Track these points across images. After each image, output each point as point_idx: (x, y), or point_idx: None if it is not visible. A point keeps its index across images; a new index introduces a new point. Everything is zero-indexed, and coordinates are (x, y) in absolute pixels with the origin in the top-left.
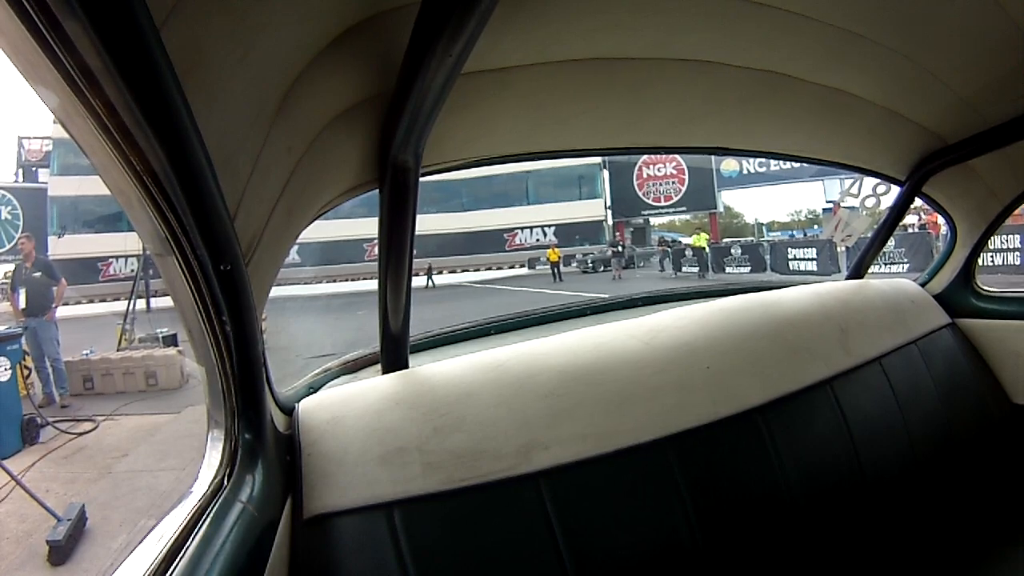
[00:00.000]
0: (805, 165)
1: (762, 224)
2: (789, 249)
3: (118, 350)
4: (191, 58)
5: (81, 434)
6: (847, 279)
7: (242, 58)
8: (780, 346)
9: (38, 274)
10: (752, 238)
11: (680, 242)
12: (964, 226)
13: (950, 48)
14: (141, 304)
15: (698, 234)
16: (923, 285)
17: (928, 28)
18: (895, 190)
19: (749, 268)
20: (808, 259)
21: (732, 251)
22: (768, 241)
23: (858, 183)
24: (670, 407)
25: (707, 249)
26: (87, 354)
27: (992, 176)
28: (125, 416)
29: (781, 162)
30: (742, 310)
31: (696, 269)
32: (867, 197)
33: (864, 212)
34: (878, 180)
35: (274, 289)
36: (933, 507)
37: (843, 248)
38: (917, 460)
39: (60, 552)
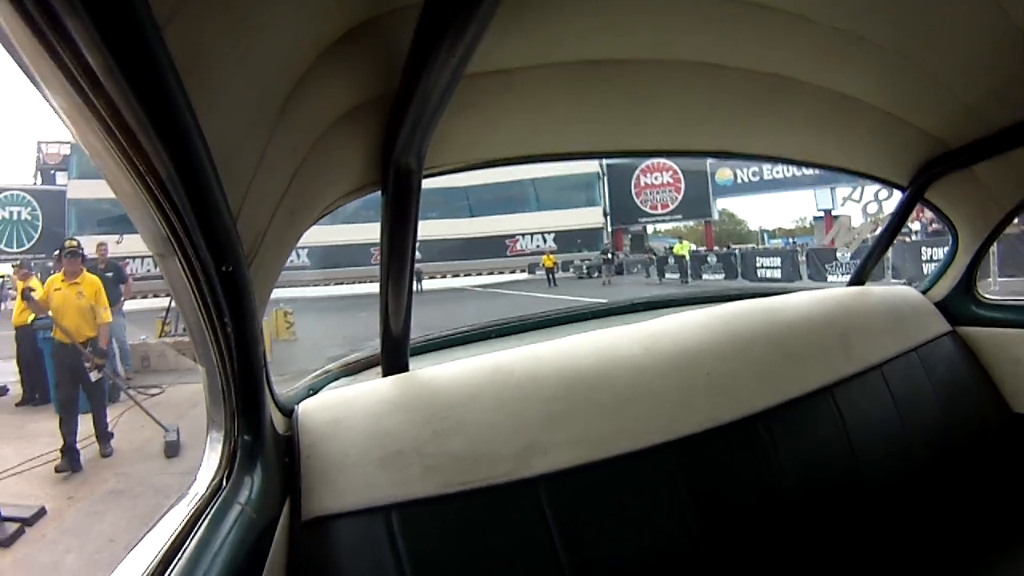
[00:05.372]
0: (798, 174)
1: (765, 231)
2: (757, 258)
3: (158, 338)
4: (194, 58)
5: (153, 395)
6: (848, 285)
7: (245, 59)
8: (781, 352)
9: (109, 274)
10: (753, 245)
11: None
12: (966, 233)
13: (953, 53)
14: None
15: (680, 243)
16: (924, 292)
17: (931, 33)
18: (896, 195)
19: (723, 275)
20: (773, 267)
21: (708, 259)
22: (739, 251)
23: (859, 189)
24: (670, 412)
25: (687, 257)
26: (144, 339)
27: (994, 182)
28: (184, 384)
29: (775, 171)
30: (743, 316)
31: (678, 276)
32: (869, 203)
33: (868, 218)
34: (879, 186)
35: (298, 290)
36: (932, 515)
37: (803, 258)
38: (917, 467)
39: (172, 447)
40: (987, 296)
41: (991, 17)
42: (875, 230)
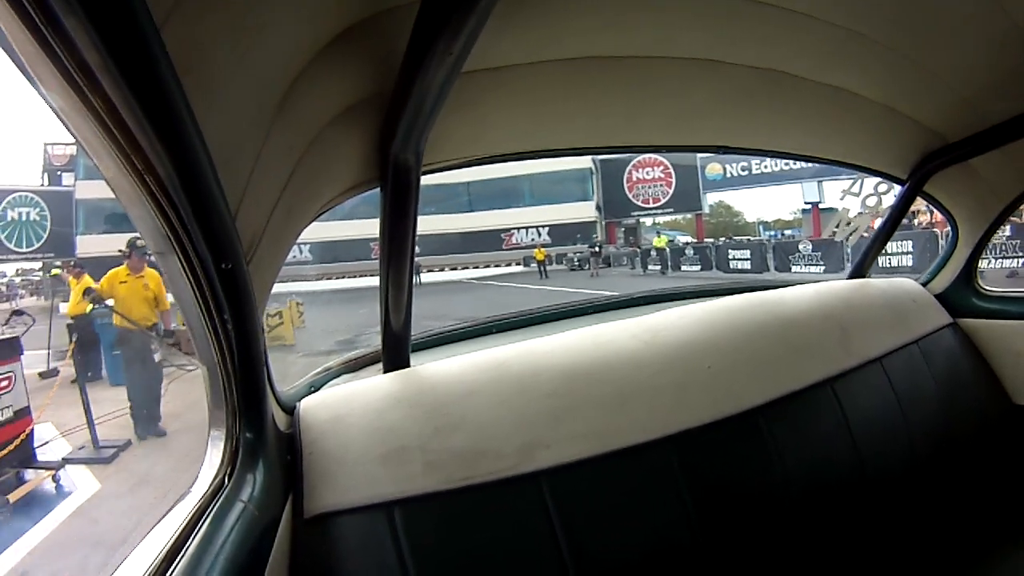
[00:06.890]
0: (786, 168)
1: (763, 222)
2: (729, 251)
3: (181, 326)
4: (192, 57)
5: (191, 371)
6: (848, 278)
7: (243, 57)
8: (781, 345)
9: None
10: (750, 236)
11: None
12: (966, 225)
13: (951, 47)
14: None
15: (659, 236)
16: (924, 284)
17: (929, 27)
18: (896, 188)
19: (700, 266)
20: (744, 259)
21: (686, 252)
22: (714, 244)
23: (859, 182)
24: (671, 406)
25: (667, 250)
26: (175, 326)
27: (993, 175)
28: None
29: (764, 166)
30: (743, 309)
31: (659, 267)
32: (868, 196)
33: (867, 210)
34: (879, 179)
35: (299, 285)
36: (934, 507)
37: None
38: (918, 460)
39: None
40: (988, 288)
41: (989, 14)
42: (860, 217)
